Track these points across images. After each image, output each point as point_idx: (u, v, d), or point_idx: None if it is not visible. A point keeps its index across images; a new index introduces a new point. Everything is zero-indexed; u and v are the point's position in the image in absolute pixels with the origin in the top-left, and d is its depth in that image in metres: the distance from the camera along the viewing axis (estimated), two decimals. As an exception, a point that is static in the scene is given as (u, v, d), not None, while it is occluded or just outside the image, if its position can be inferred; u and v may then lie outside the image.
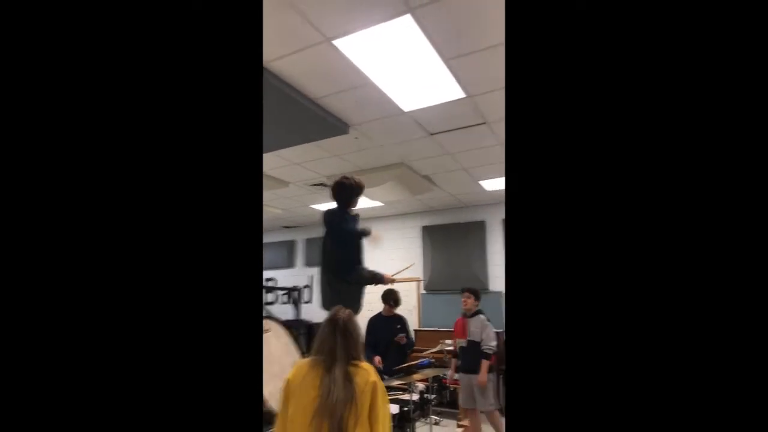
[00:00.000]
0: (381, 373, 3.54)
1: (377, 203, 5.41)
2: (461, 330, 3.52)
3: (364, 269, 2.26)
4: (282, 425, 1.22)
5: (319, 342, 1.30)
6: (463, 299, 3.50)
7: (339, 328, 1.29)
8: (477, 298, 3.51)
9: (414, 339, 3.89)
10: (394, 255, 6.21)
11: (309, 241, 7.01)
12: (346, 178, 2.33)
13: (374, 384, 1.23)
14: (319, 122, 2.93)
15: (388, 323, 3.57)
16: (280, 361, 3.18)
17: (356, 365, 1.24)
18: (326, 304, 2.15)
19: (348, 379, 1.18)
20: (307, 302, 6.65)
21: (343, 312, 1.36)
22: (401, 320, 3.63)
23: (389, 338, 3.45)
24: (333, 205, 2.39)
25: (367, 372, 1.25)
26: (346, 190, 2.32)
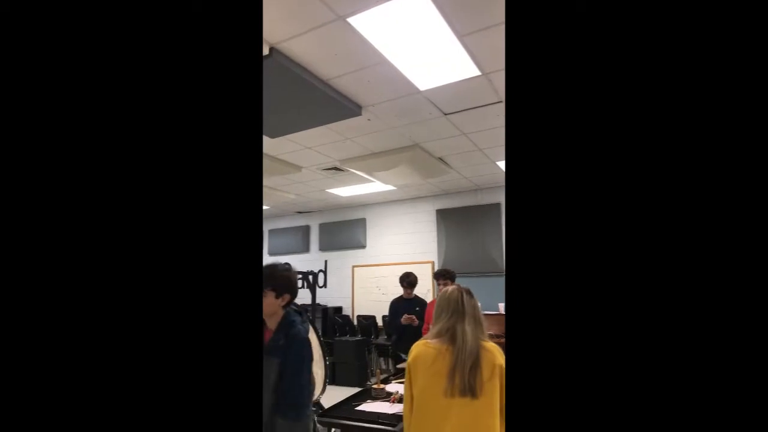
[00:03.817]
0: (400, 354, 3.60)
1: (389, 187, 5.38)
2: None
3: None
4: (409, 403, 1.30)
5: (437, 323, 1.34)
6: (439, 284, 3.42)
7: (455, 309, 1.33)
8: (453, 280, 3.40)
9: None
10: (407, 239, 6.20)
11: (323, 226, 7.04)
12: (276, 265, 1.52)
13: (501, 361, 1.28)
14: (331, 104, 2.89)
15: (408, 305, 3.63)
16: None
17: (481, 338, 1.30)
18: None
19: (474, 341, 1.25)
20: (321, 287, 6.70)
21: (454, 291, 1.39)
22: (421, 302, 3.69)
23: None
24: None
25: (491, 346, 1.31)
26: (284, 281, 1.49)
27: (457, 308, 1.32)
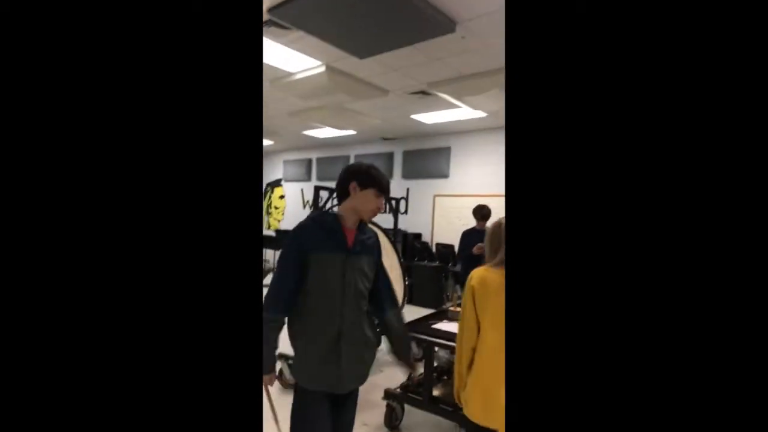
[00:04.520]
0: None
1: (478, 114, 5.10)
2: None
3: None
4: (471, 328, 1.39)
5: (497, 253, 1.43)
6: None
7: (500, 236, 1.41)
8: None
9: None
10: (492, 171, 5.97)
11: (406, 154, 7.02)
12: (357, 163, 1.52)
13: None
14: (422, 20, 2.72)
15: (480, 237, 3.64)
16: (380, 263, 3.38)
17: None
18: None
19: None
20: (403, 213, 6.86)
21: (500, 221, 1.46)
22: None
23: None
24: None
25: None
26: (344, 177, 1.47)
27: None
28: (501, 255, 1.38)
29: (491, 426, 1.36)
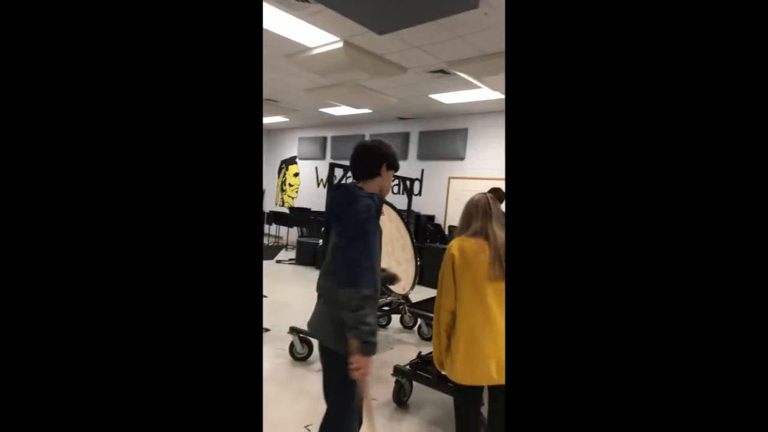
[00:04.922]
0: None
1: (497, 95, 5.00)
2: None
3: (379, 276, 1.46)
4: (449, 293, 1.53)
5: (470, 224, 1.60)
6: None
7: (484, 212, 1.58)
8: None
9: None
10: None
11: (423, 134, 6.94)
12: (379, 141, 1.54)
13: None
14: (446, -6, 2.64)
15: None
16: (392, 242, 3.39)
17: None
18: (320, 327, 1.43)
19: (502, 236, 1.54)
20: (417, 194, 6.83)
21: (482, 196, 1.64)
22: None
23: None
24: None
25: None
26: (375, 158, 1.48)
27: (486, 211, 1.59)
28: (474, 226, 1.58)
29: (475, 383, 1.50)
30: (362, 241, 1.29)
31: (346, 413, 1.41)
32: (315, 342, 2.23)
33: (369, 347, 1.26)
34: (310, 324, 1.51)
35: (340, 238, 1.33)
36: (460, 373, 1.49)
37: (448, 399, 2.46)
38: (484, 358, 1.45)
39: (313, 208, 7.90)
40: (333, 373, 1.40)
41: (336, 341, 1.34)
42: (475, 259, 1.51)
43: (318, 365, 2.51)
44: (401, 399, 2.44)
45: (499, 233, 1.54)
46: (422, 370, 2.46)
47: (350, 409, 1.40)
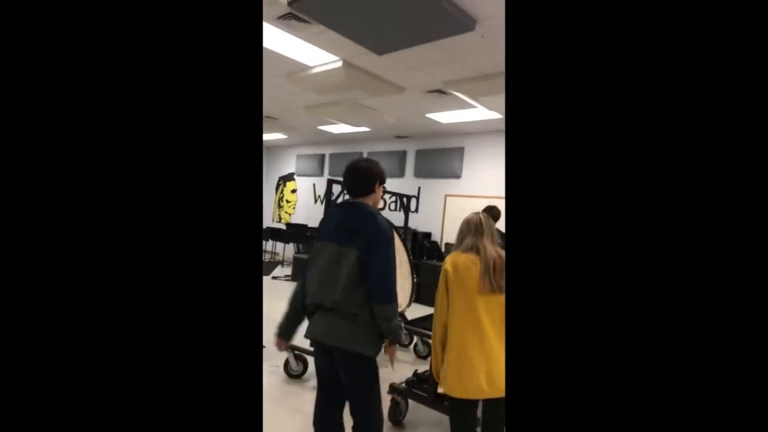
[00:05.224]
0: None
1: (493, 115, 5.08)
2: None
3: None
4: (443, 306, 1.60)
5: (463, 241, 1.69)
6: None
7: (476, 229, 1.67)
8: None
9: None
10: (503, 173, 5.93)
11: (419, 153, 7.00)
12: (370, 161, 1.65)
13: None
14: (443, 17, 2.71)
15: None
16: (389, 259, 3.39)
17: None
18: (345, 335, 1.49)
19: (492, 251, 1.63)
20: (414, 212, 6.84)
21: (475, 215, 1.74)
22: (502, 235, 3.65)
23: None
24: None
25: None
26: (371, 176, 1.59)
27: (477, 228, 1.68)
28: (466, 242, 1.67)
29: (467, 395, 1.53)
30: (389, 255, 1.48)
31: (377, 413, 1.53)
32: (310, 359, 2.20)
33: (400, 340, 1.56)
34: (323, 335, 1.52)
35: (361, 252, 1.45)
36: (452, 385, 1.53)
37: (444, 419, 2.43)
38: (474, 370, 1.49)
39: (310, 224, 7.90)
40: (361, 374, 1.51)
41: (363, 345, 1.47)
42: (467, 273, 1.58)
43: (313, 382, 2.48)
44: (397, 418, 2.41)
45: (490, 248, 1.63)
46: (418, 388, 2.43)
47: (380, 411, 1.55)
